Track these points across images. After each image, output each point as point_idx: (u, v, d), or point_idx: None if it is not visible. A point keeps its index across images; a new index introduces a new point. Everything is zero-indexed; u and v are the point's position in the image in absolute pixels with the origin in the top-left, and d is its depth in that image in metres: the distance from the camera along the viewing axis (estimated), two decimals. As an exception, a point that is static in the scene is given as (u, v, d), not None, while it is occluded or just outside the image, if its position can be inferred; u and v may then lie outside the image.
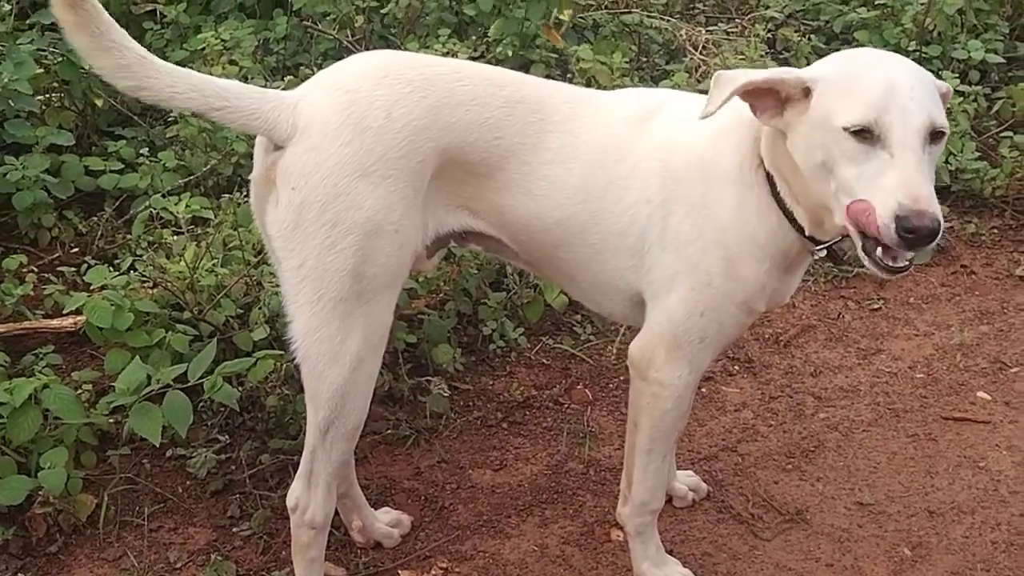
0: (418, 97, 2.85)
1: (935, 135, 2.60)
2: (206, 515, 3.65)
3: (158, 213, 4.48)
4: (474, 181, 2.96)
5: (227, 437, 3.86)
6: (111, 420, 3.74)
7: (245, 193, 4.54)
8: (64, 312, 4.11)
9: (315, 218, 2.77)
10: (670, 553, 3.47)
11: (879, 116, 2.57)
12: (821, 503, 3.78)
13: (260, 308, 4.03)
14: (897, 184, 2.53)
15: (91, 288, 4.00)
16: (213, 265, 4.14)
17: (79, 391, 3.74)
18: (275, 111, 2.81)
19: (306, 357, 2.88)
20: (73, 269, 4.30)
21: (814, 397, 4.26)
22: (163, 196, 4.53)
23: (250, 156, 4.77)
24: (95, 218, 4.72)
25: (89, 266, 4.20)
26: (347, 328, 2.84)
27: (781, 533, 3.66)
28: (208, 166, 4.88)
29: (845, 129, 2.59)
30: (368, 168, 2.78)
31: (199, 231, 4.43)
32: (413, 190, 2.84)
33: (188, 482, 3.75)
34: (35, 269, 4.43)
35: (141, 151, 4.90)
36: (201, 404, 3.83)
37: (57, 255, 4.64)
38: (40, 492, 3.47)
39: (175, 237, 4.35)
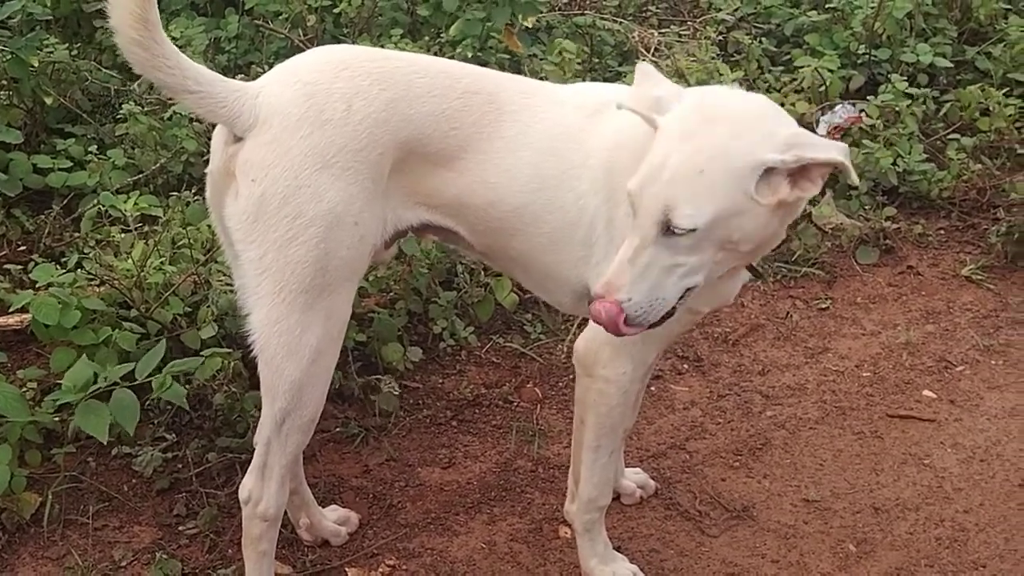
0: (377, 90, 2.87)
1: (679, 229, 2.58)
2: (152, 513, 3.63)
3: (107, 211, 4.45)
4: (432, 173, 2.97)
5: (174, 435, 3.84)
6: (56, 418, 3.71)
7: (195, 191, 4.53)
8: (10, 310, 4.07)
9: (276, 210, 2.79)
10: (618, 550, 3.48)
11: (638, 190, 2.63)
12: (768, 500, 3.81)
13: (208, 306, 4.01)
14: (608, 267, 2.67)
15: (37, 286, 3.96)
16: (161, 263, 4.12)
17: (24, 389, 3.72)
18: (239, 101, 2.82)
19: (264, 348, 2.89)
20: (20, 267, 4.26)
21: (762, 395, 4.29)
22: (112, 194, 4.50)
23: (200, 154, 4.85)
24: (43, 216, 4.67)
25: (36, 264, 4.16)
26: (307, 320, 2.86)
27: (728, 530, 3.68)
28: (158, 164, 4.85)
29: (628, 191, 2.66)
30: (329, 160, 2.80)
31: (148, 229, 4.41)
32: (373, 182, 2.86)
33: (134, 480, 3.73)
34: (-19, 267, 4.39)
35: (90, 149, 4.86)
36: (148, 402, 3.80)
37: (3, 253, 4.59)
38: (-17, 491, 3.44)
39: (123, 235, 4.32)
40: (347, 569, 3.48)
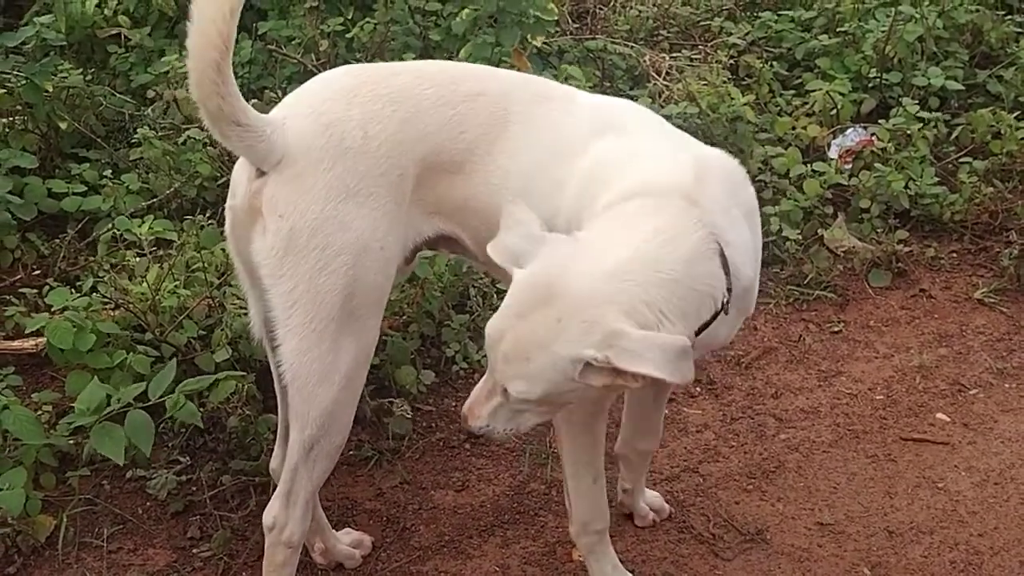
0: (389, 111, 2.90)
1: None
2: (166, 536, 3.64)
3: (121, 235, 4.48)
4: (444, 180, 2.98)
5: (188, 458, 3.85)
6: (71, 441, 3.74)
7: (209, 215, 4.56)
8: (25, 333, 4.10)
9: (305, 243, 2.81)
10: (632, 572, 3.48)
11: (488, 340, 2.68)
12: (781, 523, 3.80)
13: (222, 329, 4.02)
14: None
15: (52, 310, 3.98)
16: (175, 287, 4.14)
17: (39, 412, 3.74)
18: (272, 136, 2.81)
19: (296, 377, 2.91)
20: (35, 291, 4.29)
21: (775, 418, 4.28)
22: (127, 218, 4.52)
23: (213, 179, 4.88)
24: (57, 240, 4.70)
25: (51, 288, 4.18)
26: (338, 348, 2.88)
27: (742, 553, 3.68)
28: (171, 188, 4.88)
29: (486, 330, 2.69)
30: (352, 189, 2.82)
31: (162, 253, 4.43)
32: (395, 204, 2.89)
33: (148, 503, 3.74)
34: (-4, 290, 4.42)
35: (105, 173, 4.89)
36: (162, 425, 3.81)
37: (19, 277, 4.62)
38: (-2, 513, 3.45)
39: (138, 259, 4.34)
40: (362, 592, 3.49)
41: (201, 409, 3.78)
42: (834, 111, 5.87)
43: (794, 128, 5.75)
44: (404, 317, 4.40)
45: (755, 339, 4.71)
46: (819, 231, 5.21)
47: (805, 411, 4.32)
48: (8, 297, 4.35)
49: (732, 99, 5.55)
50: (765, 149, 5.49)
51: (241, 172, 2.93)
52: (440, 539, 3.69)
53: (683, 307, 2.60)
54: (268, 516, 3.05)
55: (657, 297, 2.57)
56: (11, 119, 5.18)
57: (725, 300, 2.70)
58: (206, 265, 4.22)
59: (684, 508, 3.85)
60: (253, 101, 4.94)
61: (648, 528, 3.75)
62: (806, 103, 5.95)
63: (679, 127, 5.32)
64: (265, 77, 5.73)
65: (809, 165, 5.43)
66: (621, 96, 5.85)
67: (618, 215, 2.70)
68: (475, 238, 3.05)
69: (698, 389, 4.42)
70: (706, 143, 5.29)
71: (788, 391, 4.43)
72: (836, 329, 4.80)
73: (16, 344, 4.15)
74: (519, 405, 2.67)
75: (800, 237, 5.11)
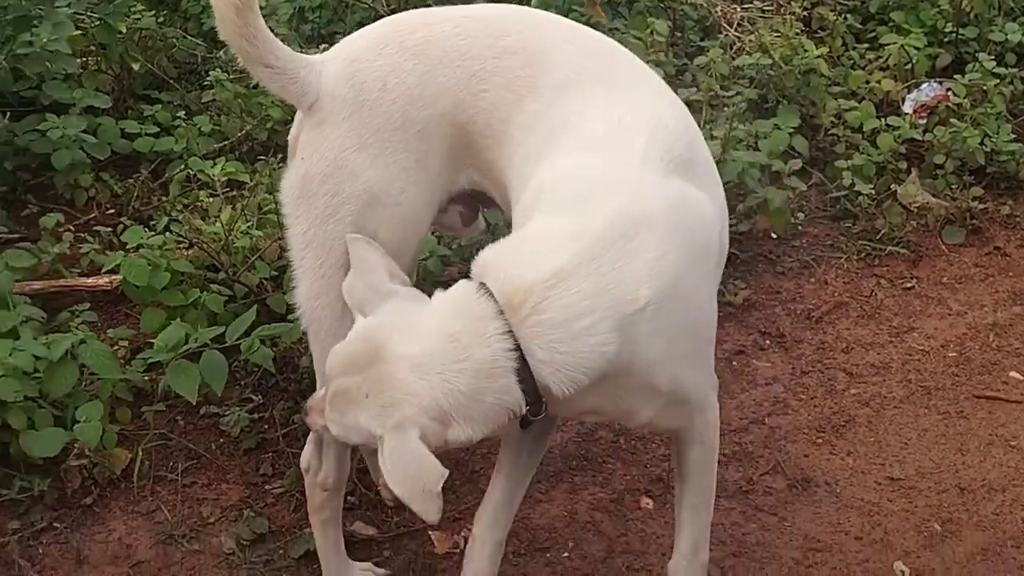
0: (412, 64, 2.82)
1: None
2: (239, 472, 3.68)
3: (194, 175, 4.50)
4: (472, 138, 2.88)
5: (260, 397, 3.88)
6: (146, 377, 3.78)
7: (280, 158, 4.57)
8: (101, 271, 4.15)
9: (316, 188, 2.82)
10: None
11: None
12: (851, 477, 3.78)
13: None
14: None
15: (127, 247, 4.02)
16: (248, 227, 4.17)
17: (115, 348, 3.77)
18: (307, 78, 2.81)
19: (310, 323, 2.92)
20: (109, 229, 4.33)
21: (845, 373, 4.25)
22: (199, 159, 4.55)
23: (284, 122, 4.88)
24: (131, 180, 4.74)
25: (125, 227, 4.22)
26: None
27: (810, 506, 3.67)
28: (243, 131, 4.90)
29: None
30: (365, 141, 2.80)
31: (234, 194, 4.46)
32: (415, 160, 2.83)
33: (221, 440, 3.78)
34: (72, 228, 4.47)
35: (177, 115, 4.91)
36: (235, 364, 3.84)
37: (93, 215, 4.67)
38: (76, 445, 3.51)
39: (211, 199, 4.37)
40: (430, 532, 3.50)
41: (273, 349, 3.82)
42: (909, 66, 5.78)
43: (868, 82, 5.67)
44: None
45: (826, 293, 4.67)
46: (892, 186, 5.14)
47: (876, 366, 4.29)
48: (83, 235, 4.40)
49: (805, 51, 5.48)
50: (838, 103, 5.43)
51: (299, 111, 2.94)
52: (507, 483, 3.70)
53: (471, 414, 2.47)
54: (303, 459, 3.08)
55: (449, 400, 2.44)
56: (85, 60, 5.21)
57: (524, 412, 2.52)
58: (278, 207, 4.23)
59: (752, 460, 3.84)
60: (323, 46, 4.98)
61: (717, 479, 3.72)
62: (880, 57, 5.86)
63: (751, 79, 5.37)
64: (336, 22, 5.73)
65: (883, 119, 5.35)
66: (692, 47, 5.84)
67: (457, 293, 2.53)
68: (504, 201, 2.94)
69: (767, 342, 4.40)
70: (778, 96, 5.38)
71: (859, 346, 4.39)
72: (908, 285, 4.74)
73: (91, 281, 4.19)
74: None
75: (873, 192, 5.04)
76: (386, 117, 2.80)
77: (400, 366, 2.44)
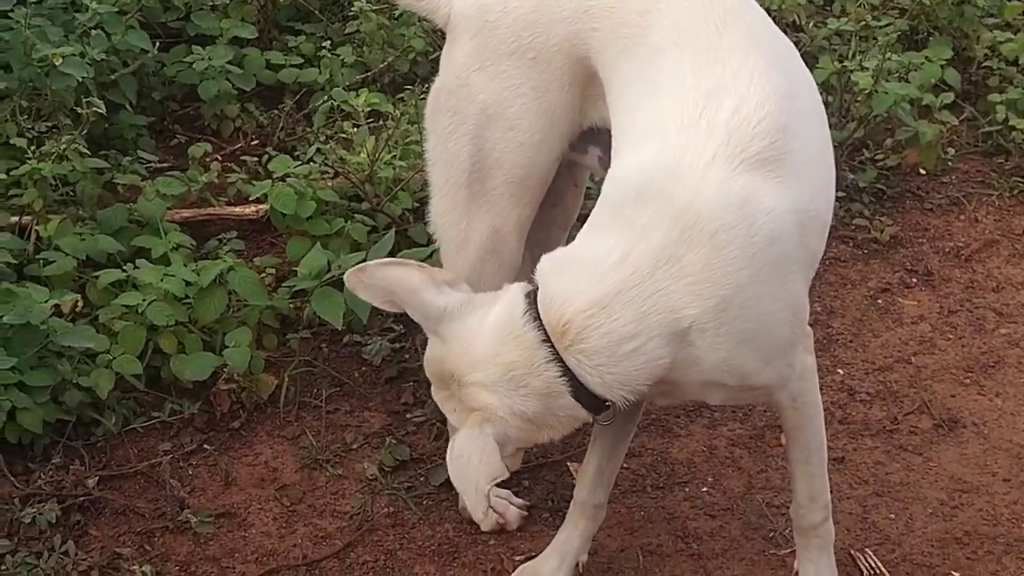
0: None
1: None
2: (380, 400, 3.73)
3: (338, 106, 4.54)
4: (595, 77, 2.84)
5: (401, 327, 3.92)
6: (291, 304, 3.85)
7: (423, 90, 4.58)
8: (248, 199, 4.22)
9: (442, 105, 2.93)
10: (841, 461, 3.44)
11: None
12: (1000, 418, 3.69)
13: (436, 201, 4.06)
14: None
15: (274, 177, 4.08)
16: (392, 158, 4.19)
17: (261, 275, 3.84)
18: None
19: (439, 239, 3.05)
20: (255, 159, 4.40)
21: (995, 313, 4.14)
22: (343, 90, 4.58)
23: (426, 54, 4.89)
24: (276, 111, 4.80)
25: (270, 157, 4.29)
26: (470, 217, 2.95)
27: (956, 446, 3.59)
28: (385, 62, 4.92)
29: None
30: (484, 62, 2.85)
31: (377, 125, 4.48)
32: (531, 88, 2.84)
33: (364, 368, 3.83)
34: (219, 158, 4.54)
35: (321, 46, 4.95)
36: (377, 293, 3.88)
37: (239, 145, 4.74)
38: (225, 369, 3.59)
39: (355, 129, 4.40)
40: (568, 463, 3.52)
41: (415, 278, 3.85)
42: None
43: (1024, 13, 5.46)
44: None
45: (976, 231, 4.54)
46: (1043, 117, 4.96)
47: (1028, 306, 4.17)
48: (230, 165, 4.48)
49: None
50: (993, 34, 5.22)
51: None
52: (646, 417, 3.68)
53: (548, 423, 2.59)
54: None
55: (527, 414, 2.54)
56: (231, -9, 5.27)
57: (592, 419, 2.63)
58: (421, 138, 4.25)
59: (898, 399, 3.77)
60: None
61: (860, 417, 3.69)
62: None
63: (903, 9, 5.19)
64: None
65: (1040, 52, 5.16)
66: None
67: (507, 313, 2.58)
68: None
69: (914, 280, 4.29)
70: (930, 27, 5.21)
71: (1010, 285, 4.27)
72: (1064, 223, 4.59)
73: (238, 210, 4.27)
74: None
75: (1027, 127, 4.88)
76: (501, 40, 2.83)
77: (477, 390, 2.54)
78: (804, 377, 2.77)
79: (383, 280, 2.66)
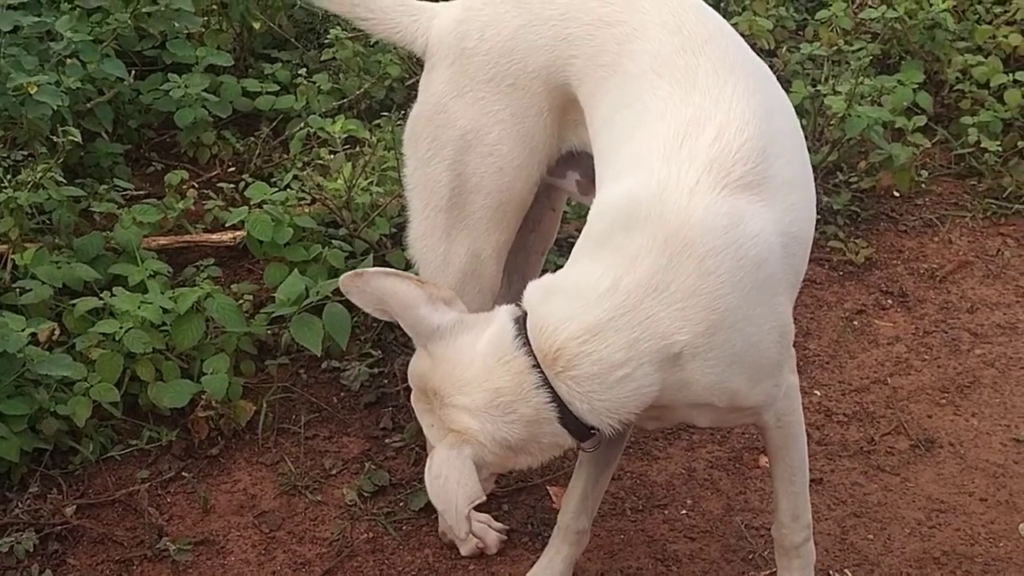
0: (510, 17, 2.85)
1: None
2: (359, 426, 3.73)
3: (314, 133, 4.55)
4: (574, 104, 2.85)
5: (380, 352, 3.92)
6: (269, 331, 3.84)
7: (400, 116, 4.59)
8: (224, 226, 4.22)
9: (420, 131, 2.95)
10: (819, 483, 3.45)
11: None
12: (976, 438, 3.71)
13: (414, 227, 4.07)
14: None
15: (251, 204, 4.08)
16: (369, 184, 4.20)
17: (239, 302, 3.84)
18: (413, 26, 2.96)
19: (418, 263, 3.05)
20: (232, 186, 4.40)
21: (970, 333, 4.17)
22: (319, 116, 4.59)
23: (402, 80, 4.91)
24: (252, 138, 4.80)
25: (247, 183, 4.29)
26: (450, 240, 2.97)
27: (934, 466, 3.61)
28: (361, 89, 4.94)
29: None
30: (463, 89, 2.87)
31: (353, 151, 4.49)
32: (511, 115, 2.86)
33: (342, 394, 3.83)
34: (195, 185, 4.54)
35: (297, 73, 4.96)
36: (354, 319, 3.88)
37: (216, 172, 4.75)
38: (203, 396, 3.58)
39: (332, 156, 4.41)
40: (548, 488, 3.52)
41: (393, 303, 3.85)
42: (1038, 20, 5.61)
43: (994, 37, 5.50)
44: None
45: (950, 252, 4.57)
46: (1019, 143, 4.98)
47: (1002, 327, 4.19)
48: (207, 192, 4.48)
49: (930, 5, 5.34)
50: (964, 58, 5.28)
51: None
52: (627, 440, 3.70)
53: (530, 450, 2.59)
54: None
55: (509, 440, 2.53)
56: (207, 19, 5.27)
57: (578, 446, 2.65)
58: (397, 164, 4.27)
59: (874, 420, 3.79)
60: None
61: (837, 438, 3.70)
62: (1007, 11, 5.69)
63: (875, 34, 5.24)
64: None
65: (1011, 75, 5.20)
66: (814, 2, 5.71)
67: (497, 338, 2.56)
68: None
69: (889, 301, 4.32)
70: (902, 51, 5.26)
71: (984, 306, 4.30)
72: (1036, 244, 4.63)
73: (215, 237, 4.27)
74: None
75: (999, 149, 4.91)
76: (479, 67, 2.86)
77: (459, 412, 2.53)
78: (789, 396, 2.79)
79: (379, 289, 2.62)
